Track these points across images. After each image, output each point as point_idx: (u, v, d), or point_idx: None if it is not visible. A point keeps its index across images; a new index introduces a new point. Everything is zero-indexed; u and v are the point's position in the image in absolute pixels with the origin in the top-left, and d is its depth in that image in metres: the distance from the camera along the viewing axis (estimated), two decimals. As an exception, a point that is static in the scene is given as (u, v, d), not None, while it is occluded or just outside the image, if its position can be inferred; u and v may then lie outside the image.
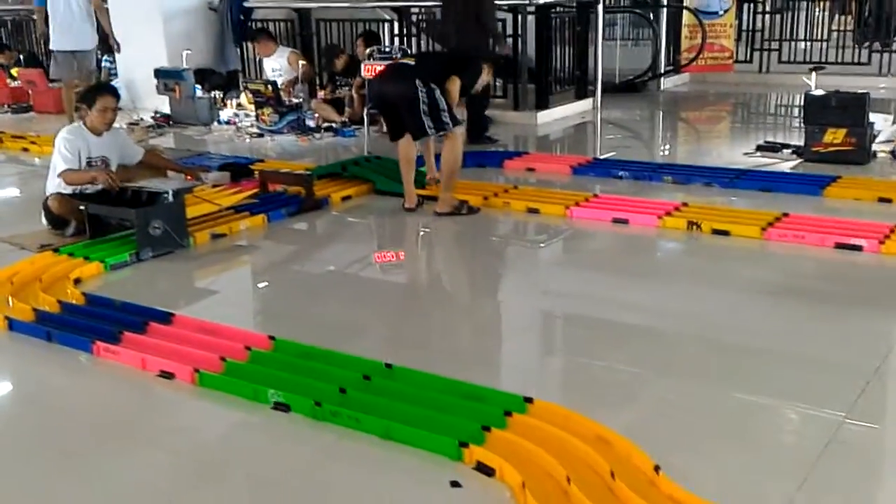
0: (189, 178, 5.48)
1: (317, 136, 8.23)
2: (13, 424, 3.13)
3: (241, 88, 9.13)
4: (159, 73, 9.10)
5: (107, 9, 8.67)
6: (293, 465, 2.74)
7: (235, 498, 2.61)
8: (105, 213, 4.85)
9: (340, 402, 2.93)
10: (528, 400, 2.89)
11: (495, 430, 2.70)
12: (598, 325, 3.88)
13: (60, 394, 3.33)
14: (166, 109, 9.10)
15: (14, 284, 4.14)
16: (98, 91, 5.27)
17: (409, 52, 8.30)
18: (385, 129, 5.83)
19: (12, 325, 3.74)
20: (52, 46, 8.53)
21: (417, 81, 5.23)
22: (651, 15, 11.20)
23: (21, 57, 11.84)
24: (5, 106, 10.54)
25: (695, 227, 4.96)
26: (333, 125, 8.41)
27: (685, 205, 5.31)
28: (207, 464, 2.78)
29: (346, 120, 8.48)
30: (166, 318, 3.73)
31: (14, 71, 10.99)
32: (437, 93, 5.23)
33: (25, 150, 8.06)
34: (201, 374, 3.18)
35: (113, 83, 9.36)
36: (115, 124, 5.31)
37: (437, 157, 5.77)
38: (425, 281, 4.91)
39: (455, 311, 4.28)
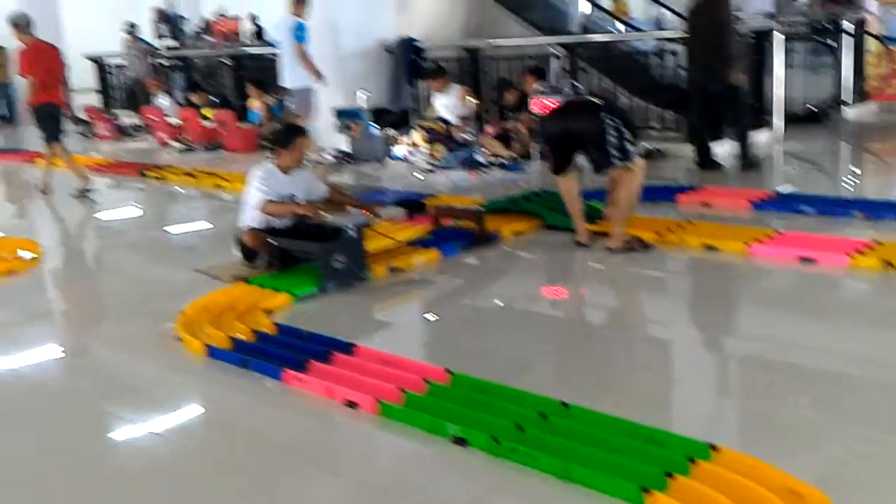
0: (367, 213, 5.69)
1: (486, 171, 8.37)
2: (209, 446, 3.35)
3: (414, 126, 9.43)
4: (339, 114, 9.55)
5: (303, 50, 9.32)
6: (468, 499, 2.77)
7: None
8: (293, 246, 5.12)
9: (518, 439, 2.95)
10: (713, 447, 2.80)
11: (679, 476, 2.63)
12: (781, 368, 3.70)
13: (252, 418, 3.53)
14: (345, 147, 9.52)
15: (211, 313, 4.44)
16: (291, 132, 5.59)
17: (577, 86, 8.33)
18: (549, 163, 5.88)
19: (212, 351, 4.01)
20: None
21: (603, 114, 5.32)
22: (833, 42, 10.68)
23: (213, 99, 12.74)
24: (199, 145, 11.36)
25: (890, 266, 4.66)
26: (502, 160, 8.52)
27: (878, 243, 5.00)
28: (385, 493, 2.86)
29: (515, 155, 8.58)
30: (349, 348, 3.89)
31: (207, 112, 11.83)
32: (622, 124, 5.27)
33: (218, 186, 8.66)
34: (384, 405, 3.29)
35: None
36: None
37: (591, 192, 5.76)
38: (597, 317, 4.86)
39: (629, 349, 4.22)
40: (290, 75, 9.27)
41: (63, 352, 4.50)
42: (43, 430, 3.49)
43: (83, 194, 8.33)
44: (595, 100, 5.95)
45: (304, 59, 9.17)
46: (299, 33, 9.10)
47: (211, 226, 7.47)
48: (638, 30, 12.33)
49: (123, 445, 3.41)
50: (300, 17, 9.14)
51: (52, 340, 4.64)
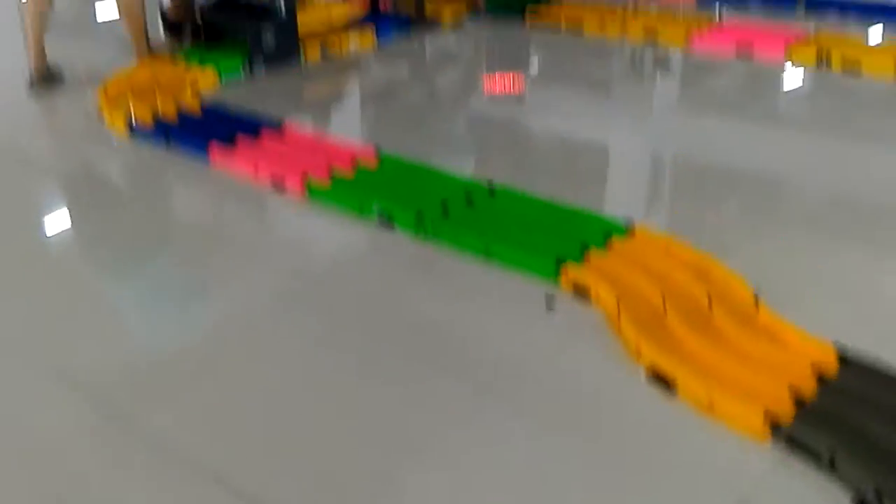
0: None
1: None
2: (128, 226, 3.23)
3: None
4: None
5: None
6: (393, 278, 2.79)
7: (335, 304, 2.64)
8: (219, 19, 4.85)
9: (442, 219, 2.97)
10: (630, 225, 2.86)
11: (594, 251, 2.70)
12: (710, 168, 3.68)
13: (179, 198, 3.46)
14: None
15: (134, 90, 4.26)
16: None
17: None
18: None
19: (134, 129, 3.89)
20: None
21: None
22: None
23: None
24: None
25: (825, 61, 4.65)
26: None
27: (814, 34, 4.96)
28: (310, 274, 2.82)
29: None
30: (278, 125, 3.80)
31: None
32: None
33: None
34: (311, 188, 3.26)
35: None
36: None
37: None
38: (532, 108, 4.77)
39: (560, 140, 4.17)
40: None
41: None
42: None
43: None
44: None
45: None
46: None
47: None
48: None
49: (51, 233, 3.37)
50: None
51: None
